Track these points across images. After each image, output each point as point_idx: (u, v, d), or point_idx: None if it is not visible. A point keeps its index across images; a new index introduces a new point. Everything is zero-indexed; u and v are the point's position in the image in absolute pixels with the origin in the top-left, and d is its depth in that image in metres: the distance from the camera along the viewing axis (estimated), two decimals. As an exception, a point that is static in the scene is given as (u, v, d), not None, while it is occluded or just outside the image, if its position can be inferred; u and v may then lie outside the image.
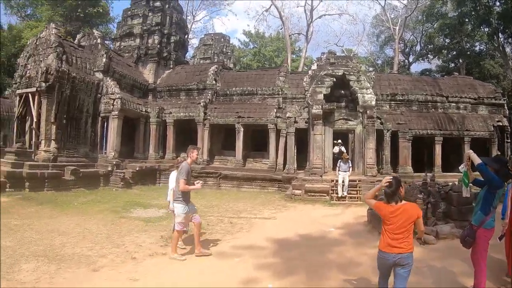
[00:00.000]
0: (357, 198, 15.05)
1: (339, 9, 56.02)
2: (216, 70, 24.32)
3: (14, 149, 16.15)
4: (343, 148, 18.54)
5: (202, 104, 22.12)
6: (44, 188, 15.54)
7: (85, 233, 8.86)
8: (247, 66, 51.65)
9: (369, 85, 17.08)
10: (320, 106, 16.90)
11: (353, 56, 19.64)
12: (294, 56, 51.72)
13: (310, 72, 19.18)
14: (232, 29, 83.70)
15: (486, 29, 33.57)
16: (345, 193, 15.25)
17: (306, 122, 18.99)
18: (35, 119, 17.55)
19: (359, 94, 16.92)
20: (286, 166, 19.76)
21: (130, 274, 6.13)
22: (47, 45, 17.73)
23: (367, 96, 16.88)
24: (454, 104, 21.46)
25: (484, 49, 40.60)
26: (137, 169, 19.73)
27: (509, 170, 5.44)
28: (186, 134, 22.88)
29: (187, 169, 6.98)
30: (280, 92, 22.34)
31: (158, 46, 25.08)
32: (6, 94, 27.31)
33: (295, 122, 19.45)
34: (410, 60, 49.65)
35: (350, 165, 15.67)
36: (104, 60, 20.30)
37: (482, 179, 5.31)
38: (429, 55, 46.97)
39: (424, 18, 41.83)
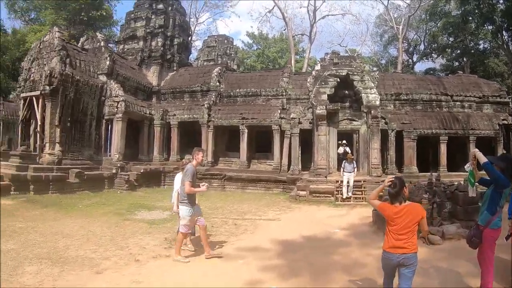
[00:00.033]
0: (362, 199, 14.96)
1: (342, 9, 55.81)
2: (219, 71, 24.31)
3: (19, 152, 16.24)
4: (347, 149, 18.46)
5: (206, 105, 22.12)
6: (48, 190, 15.56)
7: (89, 236, 8.85)
8: (251, 67, 51.67)
9: (373, 85, 16.99)
10: (324, 107, 16.84)
11: (357, 56, 19.66)
12: (297, 57, 51.70)
13: (313, 72, 19.14)
14: (236, 30, 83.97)
15: (490, 27, 33.38)
16: (350, 194, 15.17)
17: (310, 123, 18.93)
18: (39, 122, 17.61)
19: (363, 94, 16.84)
20: (291, 167, 19.71)
21: (133, 277, 6.10)
22: (51, 49, 17.79)
23: (371, 96, 16.80)
24: (459, 103, 21.33)
25: (488, 47, 40.41)
26: (142, 171, 19.74)
27: (515, 169, 5.35)
28: (190, 136, 22.88)
29: (193, 171, 6.94)
30: (284, 93, 22.31)
31: (162, 48, 25.13)
32: (10, 97, 27.57)
33: (299, 123, 19.41)
34: (414, 59, 49.57)
35: (355, 165, 15.57)
36: (107, 63, 20.35)
37: (488, 178, 5.23)
38: (433, 54, 46.78)
39: (428, 17, 41.70)
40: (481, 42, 40.46)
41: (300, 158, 19.63)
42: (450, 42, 42.10)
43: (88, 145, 19.54)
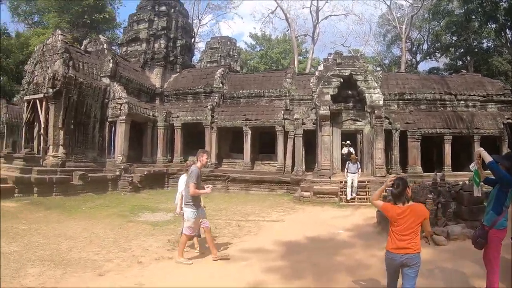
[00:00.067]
0: (366, 199, 14.87)
1: (344, 10, 55.59)
2: (222, 73, 24.30)
3: (23, 154, 16.27)
4: (351, 149, 18.38)
5: (209, 107, 22.10)
6: (52, 193, 15.58)
7: (92, 238, 8.84)
8: (254, 68, 51.67)
9: (376, 85, 16.91)
10: (328, 107, 16.77)
11: (360, 56, 19.51)
12: (301, 57, 51.63)
13: (317, 73, 19.06)
14: (239, 32, 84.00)
15: (493, 26, 33.28)
16: (354, 195, 15.07)
17: (313, 124, 18.88)
18: (43, 125, 17.68)
19: (366, 94, 16.76)
20: (295, 168, 19.66)
21: (135, 279, 6.06)
22: (54, 52, 17.84)
23: (375, 96, 16.72)
24: (463, 102, 21.21)
25: (492, 46, 40.23)
26: (145, 173, 19.76)
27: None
28: (193, 137, 22.87)
29: (197, 173, 6.90)
30: (287, 94, 22.26)
31: (165, 50, 25.15)
32: (14, 100, 27.64)
33: (303, 123, 19.36)
34: (418, 59, 49.38)
35: (359, 166, 15.48)
36: (110, 65, 20.38)
37: (494, 178, 5.15)
38: (436, 53, 46.62)
39: (431, 16, 41.59)
40: (484, 40, 40.31)
41: (304, 159, 19.58)
42: (453, 41, 41.94)
43: (91, 147, 19.57)
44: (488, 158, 4.97)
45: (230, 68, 27.69)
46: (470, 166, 5.48)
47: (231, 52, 38.89)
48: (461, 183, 10.33)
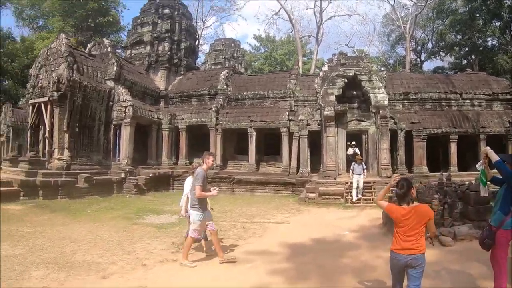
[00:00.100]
0: (372, 200, 14.75)
1: (348, 10, 55.49)
2: (227, 75, 24.29)
3: (28, 158, 16.35)
4: (357, 150, 18.26)
5: (213, 109, 22.09)
6: (58, 196, 15.63)
7: (97, 240, 8.83)
8: (258, 70, 51.67)
9: (381, 85, 16.82)
10: (332, 108, 16.70)
11: (364, 56, 19.45)
12: (305, 58, 51.59)
13: (321, 73, 19.02)
14: (243, 34, 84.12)
15: (498, 23, 33.04)
16: (360, 195, 14.96)
17: (318, 124, 18.81)
18: (48, 128, 17.74)
19: (371, 94, 16.67)
20: (300, 169, 19.59)
21: (139, 281, 6.03)
22: (58, 55, 17.91)
23: (380, 96, 16.62)
24: (469, 101, 21.06)
25: (497, 44, 39.91)
26: (150, 175, 19.76)
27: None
28: (198, 139, 22.86)
29: (203, 175, 6.85)
30: (292, 95, 22.21)
31: (169, 53, 25.18)
32: (20, 104, 27.76)
33: (308, 124, 19.29)
34: (422, 58, 49.10)
35: (364, 167, 15.36)
36: (115, 68, 20.42)
37: (501, 177, 5.06)
38: (441, 53, 46.38)
39: (435, 15, 41.40)
40: (489, 39, 40.01)
41: (309, 160, 19.51)
42: (458, 40, 41.70)
43: (96, 150, 19.63)
44: (494, 157, 4.89)
45: (235, 70, 27.70)
46: (477, 166, 5.40)
47: (235, 54, 38.91)
48: (467, 182, 10.22)
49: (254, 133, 21.03)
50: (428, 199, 8.91)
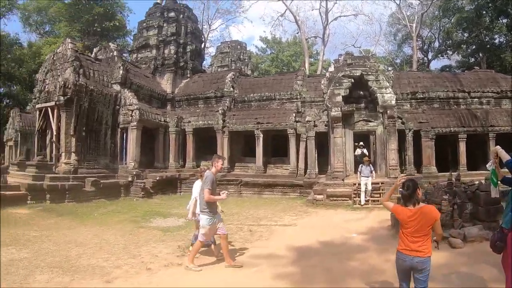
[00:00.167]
0: (381, 201, 14.59)
1: (354, 10, 55.34)
2: (233, 77, 24.26)
3: (35, 162, 16.43)
4: (365, 151, 18.11)
5: (220, 111, 22.07)
6: (65, 199, 15.67)
7: (102, 244, 8.79)
8: (265, 72, 51.66)
9: (388, 85, 16.64)
10: (339, 108, 16.54)
11: (371, 55, 19.25)
12: (312, 59, 51.46)
13: (327, 74, 18.88)
14: (249, 36, 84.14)
15: (505, 20, 32.66)
16: (368, 197, 14.78)
17: (325, 126, 18.68)
18: (55, 133, 17.81)
19: (378, 94, 16.49)
20: (307, 170, 19.47)
21: (143, 286, 5.97)
22: (64, 60, 17.99)
23: (387, 95, 16.44)
24: (477, 100, 20.81)
25: (504, 41, 39.40)
26: (158, 178, 19.75)
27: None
28: (205, 142, 22.85)
29: (212, 178, 6.76)
30: (299, 96, 22.11)
31: (175, 56, 25.22)
32: (27, 109, 27.96)
33: (315, 125, 19.17)
34: (429, 57, 48.74)
35: (372, 169, 15.16)
36: (121, 72, 20.47)
37: (512, 177, 4.93)
38: (448, 51, 46.00)
39: (441, 14, 41.10)
40: (496, 36, 39.52)
41: (316, 161, 19.40)
42: (465, 38, 41.32)
43: (103, 154, 19.67)
44: (505, 156, 4.76)
45: (241, 72, 27.66)
46: (487, 166, 5.27)
47: (241, 56, 38.91)
48: (477, 182, 10.02)
49: (261, 135, 20.95)
50: (437, 200, 8.75)
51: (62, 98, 17.21)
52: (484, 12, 33.37)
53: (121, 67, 20.59)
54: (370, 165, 15.18)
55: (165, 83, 25.15)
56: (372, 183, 14.91)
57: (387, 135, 16.55)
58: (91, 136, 18.92)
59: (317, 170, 19.31)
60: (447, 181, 10.18)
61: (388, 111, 16.41)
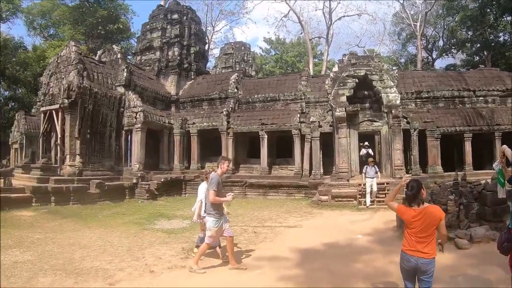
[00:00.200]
0: (385, 202, 14.45)
1: (357, 10, 55.12)
2: (237, 78, 24.21)
3: (40, 164, 16.49)
4: (370, 151, 18.00)
5: (224, 113, 22.03)
6: (69, 201, 15.67)
7: (106, 246, 8.77)
8: (269, 73, 51.65)
9: (392, 84, 16.53)
10: (344, 109, 16.45)
11: (375, 55, 19.16)
12: (316, 60, 51.38)
13: (331, 74, 18.79)
14: (253, 37, 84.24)
15: (509, 18, 32.41)
16: (373, 198, 14.67)
17: (330, 126, 18.60)
18: (59, 135, 17.86)
19: (383, 94, 16.39)
20: (312, 171, 19.40)
21: (146, 289, 5.94)
22: (68, 63, 18.04)
23: (391, 95, 16.34)
24: (482, 98, 20.62)
25: (509, 39, 39.19)
26: (162, 180, 19.74)
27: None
28: (210, 143, 22.83)
29: (217, 180, 6.71)
30: (303, 97, 22.04)
31: (178, 57, 25.22)
32: (33, 112, 28.05)
33: (319, 126, 19.11)
34: (434, 56, 48.51)
35: (377, 170, 15.05)
36: (125, 74, 20.50)
37: (519, 177, 4.84)
38: (452, 50, 45.81)
39: (445, 12, 40.93)
40: (501, 34, 39.28)
41: (321, 162, 19.31)
42: (469, 36, 41.11)
43: (108, 156, 19.70)
44: (512, 156, 4.68)
45: (245, 73, 27.62)
46: (494, 165, 5.21)
47: (245, 57, 38.82)
48: (483, 182, 9.91)
49: (266, 136, 20.89)
50: (443, 200, 8.66)
51: (66, 100, 17.27)
52: (488, 10, 33.17)
53: (125, 69, 20.61)
54: (375, 166, 15.07)
55: (169, 85, 25.16)
56: (377, 184, 14.79)
57: (392, 135, 16.44)
58: (95, 138, 18.96)
59: (322, 171, 19.23)
60: (453, 181, 10.09)
61: (393, 111, 16.30)
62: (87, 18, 37.90)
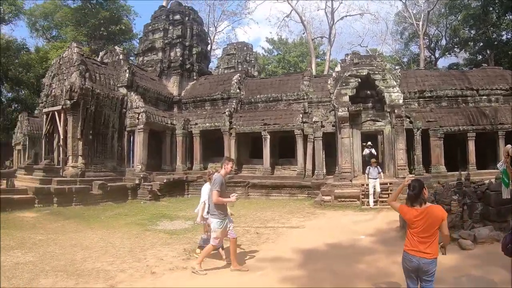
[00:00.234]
0: (388, 202, 14.37)
1: (360, 9, 54.94)
2: (239, 78, 24.19)
3: (42, 165, 16.52)
4: (373, 151, 17.93)
5: (227, 113, 22.00)
6: (72, 202, 15.69)
7: (108, 247, 8.75)
8: (272, 73, 51.66)
9: (395, 83, 16.46)
10: (346, 108, 16.38)
11: (377, 55, 19.04)
12: (318, 60, 51.31)
13: (334, 74, 18.71)
14: (255, 37, 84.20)
15: (512, 17, 32.23)
16: (376, 198, 14.60)
17: (333, 126, 18.55)
18: (62, 136, 17.90)
19: (385, 93, 16.31)
20: (315, 171, 19.34)
21: (147, 290, 5.91)
22: (70, 64, 18.07)
23: (394, 94, 16.26)
24: (485, 97, 20.50)
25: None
26: (165, 181, 19.72)
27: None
28: (212, 144, 22.82)
29: (221, 180, 6.68)
30: (305, 97, 21.99)
31: (181, 58, 25.21)
32: (36, 113, 28.14)
33: (322, 126, 19.05)
34: (437, 55, 48.41)
35: (380, 170, 14.97)
36: (127, 75, 20.51)
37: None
38: (455, 49, 45.65)
39: (447, 11, 40.82)
40: (503, 32, 39.14)
41: (324, 162, 19.27)
42: (472, 35, 40.97)
43: (111, 157, 19.71)
44: (517, 155, 4.62)
45: (247, 73, 27.59)
46: (498, 165, 5.16)
47: (247, 58, 38.83)
48: (487, 182, 9.83)
49: (268, 137, 20.84)
50: (447, 201, 8.60)
51: (68, 102, 17.30)
52: (491, 9, 33.04)
53: (127, 70, 20.63)
54: (378, 166, 15.00)
55: (172, 86, 25.15)
56: (381, 184, 14.73)
57: (395, 134, 16.37)
58: (98, 139, 18.97)
59: (325, 171, 19.18)
60: (456, 181, 10.02)
61: (395, 111, 16.23)
62: (90, 20, 38.00)
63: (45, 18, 43.11)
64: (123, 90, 20.46)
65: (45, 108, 19.24)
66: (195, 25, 26.85)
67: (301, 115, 20.54)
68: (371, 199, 14.50)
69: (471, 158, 18.99)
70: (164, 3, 28.89)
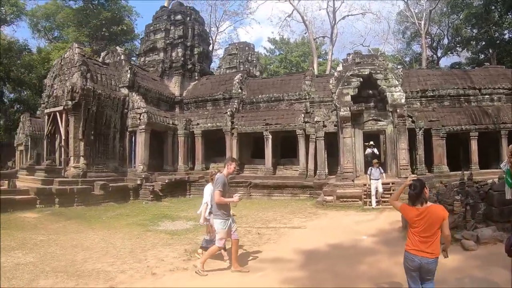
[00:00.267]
0: (389, 201, 14.28)
1: (362, 9, 54.90)
2: (241, 78, 24.15)
3: (44, 166, 16.55)
4: (375, 150, 17.84)
5: (228, 113, 21.96)
6: (73, 203, 15.68)
7: (109, 248, 8.73)
8: (274, 73, 51.60)
9: (397, 83, 16.38)
10: (348, 108, 16.32)
11: (379, 54, 19.00)
12: (320, 59, 51.25)
13: (336, 73, 18.65)
14: (257, 37, 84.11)
15: (514, 15, 32.10)
16: (378, 198, 14.53)
17: (335, 126, 18.49)
18: (63, 137, 17.90)
19: (387, 93, 16.25)
20: (317, 171, 19.30)
21: (147, 291, 5.88)
22: (72, 65, 18.07)
23: (396, 94, 16.19)
24: (488, 96, 20.42)
25: (514, 36, 38.97)
26: (167, 181, 19.70)
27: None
28: (214, 144, 22.79)
29: (223, 180, 6.65)
30: (307, 97, 21.94)
31: (182, 58, 25.20)
32: (38, 114, 28.17)
33: (324, 126, 18.99)
34: (439, 54, 48.27)
35: (382, 171, 14.88)
36: (128, 75, 20.51)
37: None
38: (457, 48, 45.50)
39: (449, 10, 40.72)
40: (506, 31, 38.95)
41: (326, 162, 19.20)
42: (474, 34, 40.82)
43: (112, 157, 19.70)
44: (521, 155, 4.57)
45: (249, 73, 27.55)
46: (501, 165, 5.12)
47: (249, 58, 38.78)
48: (490, 181, 9.77)
49: (270, 136, 20.79)
50: (450, 201, 8.54)
51: (70, 102, 17.29)
52: (493, 8, 32.92)
53: (129, 71, 20.62)
54: (380, 167, 14.92)
55: (173, 86, 25.14)
56: (383, 184, 14.66)
57: (397, 134, 16.29)
58: (99, 139, 18.96)
59: (327, 171, 19.12)
60: (459, 181, 9.97)
61: (397, 110, 16.15)
62: (91, 20, 38.05)
63: (47, 19, 43.22)
64: (125, 91, 20.46)
65: (47, 108, 19.25)
66: (197, 25, 26.83)
67: (303, 115, 20.49)
68: (373, 200, 14.43)
69: (473, 158, 18.90)
70: (165, 4, 28.92)
